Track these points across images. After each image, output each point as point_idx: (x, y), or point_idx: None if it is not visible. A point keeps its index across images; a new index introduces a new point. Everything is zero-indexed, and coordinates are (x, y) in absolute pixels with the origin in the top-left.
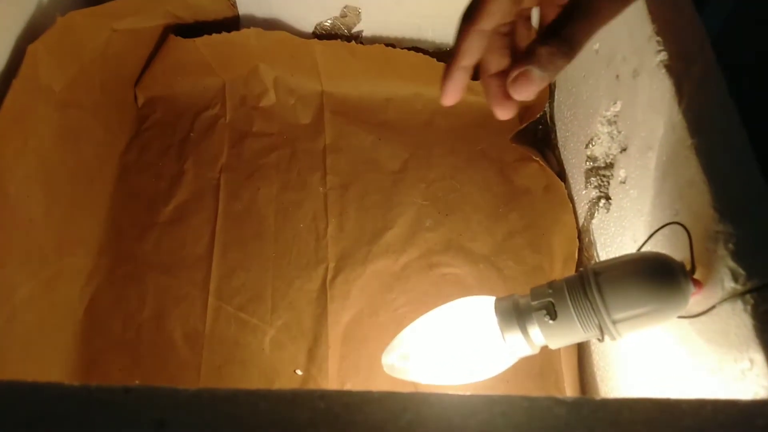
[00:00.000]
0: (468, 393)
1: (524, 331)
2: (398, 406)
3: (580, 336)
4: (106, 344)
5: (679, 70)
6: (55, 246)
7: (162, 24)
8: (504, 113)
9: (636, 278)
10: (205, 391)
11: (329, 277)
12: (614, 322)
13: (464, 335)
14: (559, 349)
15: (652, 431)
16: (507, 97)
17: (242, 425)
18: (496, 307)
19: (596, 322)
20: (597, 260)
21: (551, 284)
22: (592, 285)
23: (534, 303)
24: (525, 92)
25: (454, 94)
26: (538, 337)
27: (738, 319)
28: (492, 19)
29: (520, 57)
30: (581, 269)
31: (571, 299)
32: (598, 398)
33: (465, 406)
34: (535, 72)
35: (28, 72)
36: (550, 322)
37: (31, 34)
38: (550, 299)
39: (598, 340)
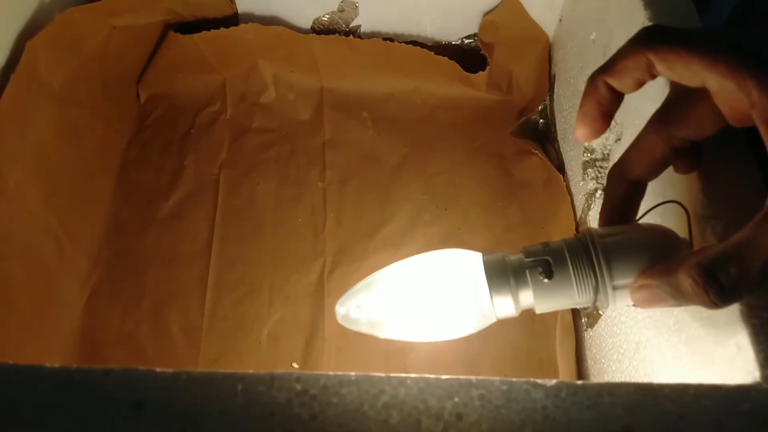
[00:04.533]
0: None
1: (513, 289)
2: (375, 388)
3: (572, 300)
4: (105, 336)
5: None
6: (54, 239)
7: (161, 21)
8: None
9: (643, 244)
10: (183, 373)
11: (327, 271)
12: (614, 288)
13: (438, 288)
14: (555, 344)
15: (631, 415)
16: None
17: (219, 406)
18: (484, 262)
19: (593, 285)
20: None
21: (547, 244)
22: (597, 247)
23: (528, 260)
24: (644, 305)
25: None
26: (527, 297)
27: None
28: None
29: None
30: (581, 232)
31: (570, 259)
32: (579, 382)
33: (442, 388)
34: (665, 293)
35: (26, 68)
36: (545, 280)
37: (30, 30)
38: (547, 257)
39: (585, 308)
